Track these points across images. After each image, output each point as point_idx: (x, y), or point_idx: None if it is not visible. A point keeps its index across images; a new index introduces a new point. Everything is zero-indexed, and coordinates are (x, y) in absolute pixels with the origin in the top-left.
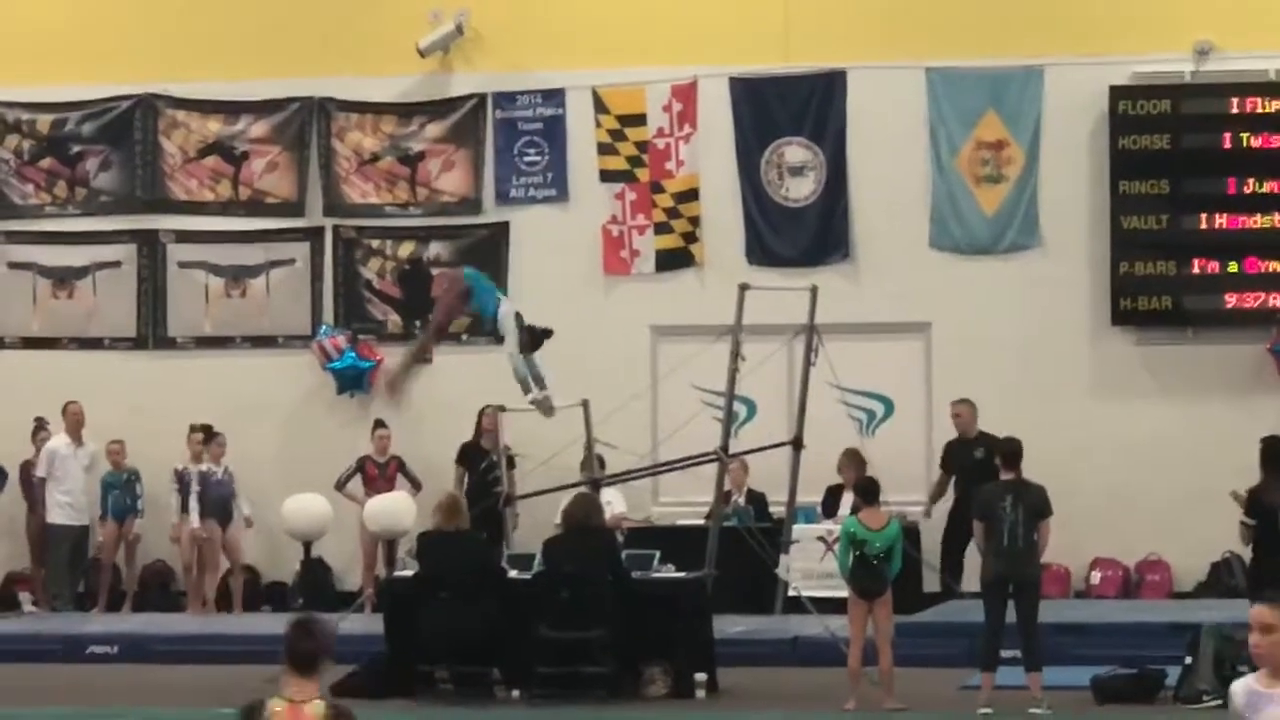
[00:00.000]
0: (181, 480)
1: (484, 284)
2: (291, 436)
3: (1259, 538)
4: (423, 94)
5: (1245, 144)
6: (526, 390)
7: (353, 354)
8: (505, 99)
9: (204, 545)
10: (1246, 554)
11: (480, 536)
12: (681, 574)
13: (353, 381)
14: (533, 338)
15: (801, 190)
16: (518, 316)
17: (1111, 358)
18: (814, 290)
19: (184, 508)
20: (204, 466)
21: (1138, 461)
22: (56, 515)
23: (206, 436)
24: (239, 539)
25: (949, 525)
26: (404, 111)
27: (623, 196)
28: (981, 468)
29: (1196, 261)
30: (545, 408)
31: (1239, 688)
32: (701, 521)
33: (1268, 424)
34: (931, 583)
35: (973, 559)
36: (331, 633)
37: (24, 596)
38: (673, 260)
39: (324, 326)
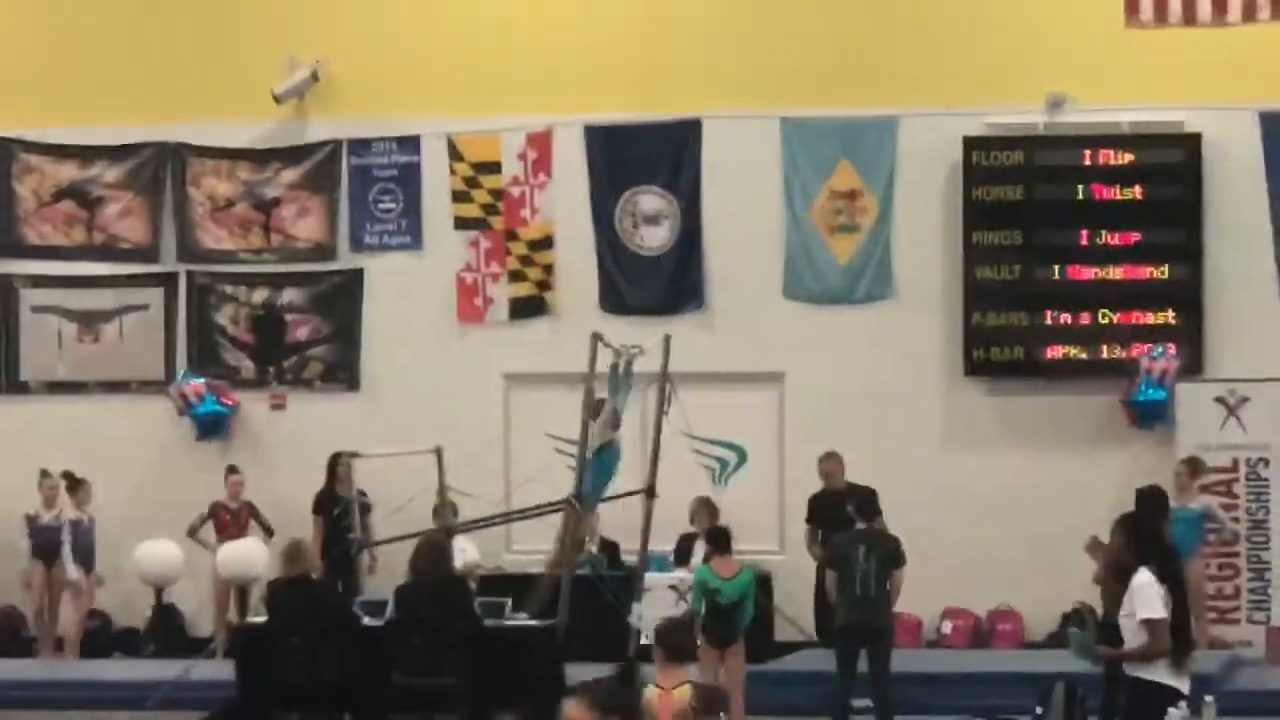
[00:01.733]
0: (33, 526)
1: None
2: (145, 482)
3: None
4: (278, 140)
5: (1098, 196)
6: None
7: (213, 399)
8: (360, 146)
9: (75, 592)
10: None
11: (329, 583)
12: (534, 622)
13: (212, 427)
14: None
15: (656, 239)
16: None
17: (964, 408)
18: (667, 339)
19: (35, 553)
20: (73, 515)
21: (990, 511)
22: None
23: (71, 483)
24: (92, 586)
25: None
26: (259, 158)
27: (477, 244)
28: (849, 523)
29: (1049, 312)
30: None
31: None
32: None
33: (1119, 475)
34: (784, 631)
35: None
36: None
37: None
38: (526, 308)
39: (183, 372)
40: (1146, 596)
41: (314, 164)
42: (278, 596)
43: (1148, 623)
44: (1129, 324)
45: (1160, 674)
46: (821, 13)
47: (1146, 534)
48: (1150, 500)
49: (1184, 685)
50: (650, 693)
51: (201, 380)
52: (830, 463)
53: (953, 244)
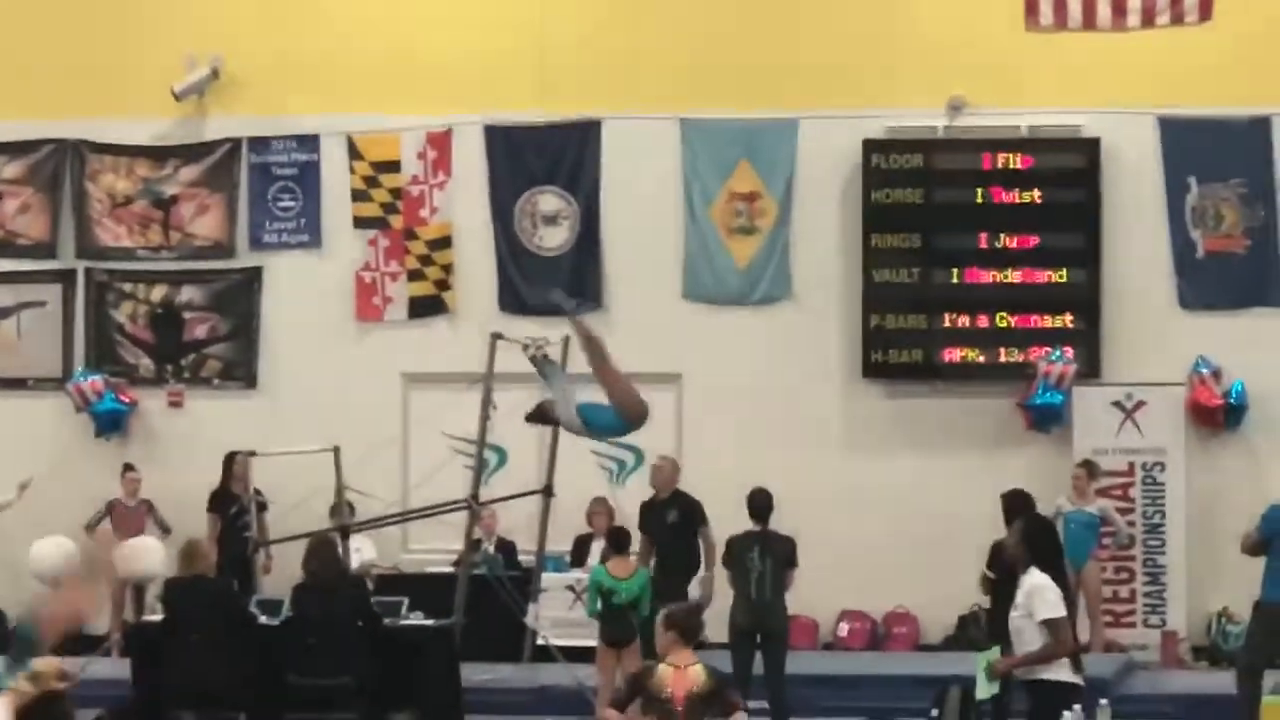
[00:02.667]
0: None
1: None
2: (40, 479)
3: (998, 591)
4: (177, 137)
5: (997, 199)
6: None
7: (111, 396)
8: (260, 144)
9: None
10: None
11: (225, 582)
12: (430, 621)
13: (111, 424)
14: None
15: (555, 239)
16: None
17: (862, 410)
18: (566, 340)
19: None
20: None
21: (887, 514)
22: None
23: None
24: None
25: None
26: (158, 155)
27: (376, 243)
28: (674, 531)
29: (947, 315)
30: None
31: None
32: (450, 569)
33: (1016, 477)
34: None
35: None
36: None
37: None
38: (425, 307)
39: (81, 369)
40: (1046, 597)
41: (213, 162)
42: (174, 595)
43: (1049, 623)
44: (1027, 327)
45: (1061, 673)
46: (722, 14)
47: (1041, 536)
48: (1022, 501)
49: (1080, 680)
50: (665, 669)
51: (99, 377)
52: (662, 463)
53: (852, 246)
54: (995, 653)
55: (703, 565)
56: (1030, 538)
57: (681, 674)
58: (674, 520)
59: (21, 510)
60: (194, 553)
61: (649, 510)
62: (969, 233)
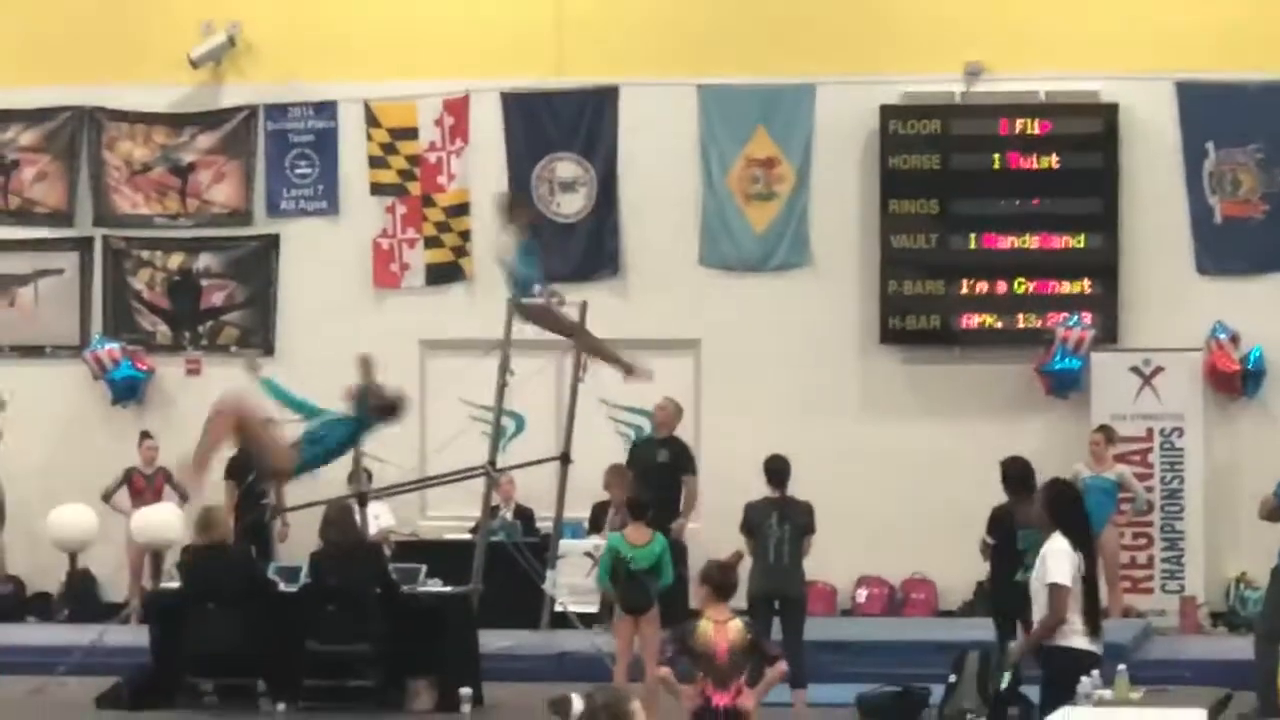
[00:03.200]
0: None
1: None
2: (59, 447)
3: (997, 556)
4: (194, 105)
5: (1014, 165)
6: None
7: (128, 364)
8: (277, 111)
9: None
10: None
11: (243, 550)
12: (448, 588)
13: (127, 391)
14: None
15: (572, 206)
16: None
17: (879, 376)
18: (584, 306)
19: None
20: None
21: (904, 480)
22: None
23: None
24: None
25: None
26: (175, 122)
27: (393, 210)
28: (660, 471)
29: (965, 281)
30: (558, 298)
31: None
32: (468, 536)
33: (1033, 443)
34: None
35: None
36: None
37: None
38: (443, 274)
39: (98, 337)
40: (1057, 562)
41: (230, 129)
42: (192, 563)
43: (1049, 588)
44: (1044, 293)
45: (1075, 640)
46: None
47: (1064, 500)
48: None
49: (1098, 648)
50: (705, 624)
51: (117, 345)
52: (665, 403)
53: (869, 212)
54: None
55: (681, 513)
56: (1052, 503)
57: (722, 628)
58: (663, 460)
59: (40, 479)
60: (211, 520)
61: (640, 446)
62: (987, 198)
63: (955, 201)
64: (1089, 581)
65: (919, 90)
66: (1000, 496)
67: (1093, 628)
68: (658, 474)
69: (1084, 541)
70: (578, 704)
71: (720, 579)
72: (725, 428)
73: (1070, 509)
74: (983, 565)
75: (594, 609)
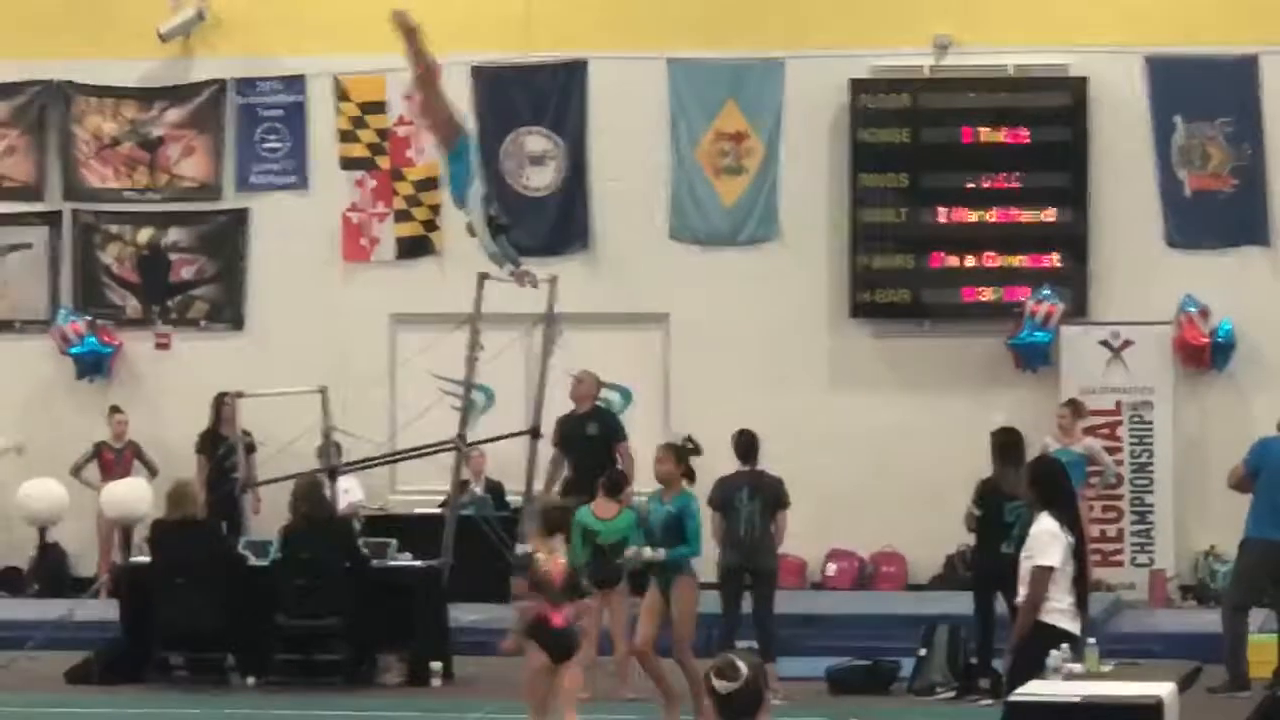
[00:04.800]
0: None
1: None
2: (29, 422)
3: (984, 528)
4: (164, 79)
5: (984, 139)
6: (501, 265)
7: (93, 339)
8: (246, 85)
9: None
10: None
11: (212, 524)
12: (418, 562)
13: (92, 367)
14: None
15: (541, 180)
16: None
17: (849, 350)
18: (553, 280)
19: None
20: None
21: (874, 454)
22: None
23: None
24: None
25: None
26: (144, 96)
27: (363, 184)
28: (591, 444)
29: (935, 255)
30: (530, 280)
31: None
32: (438, 510)
33: (1004, 417)
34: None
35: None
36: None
37: None
38: (412, 248)
39: (63, 311)
40: (1044, 543)
41: (199, 103)
42: (162, 538)
43: (1035, 569)
44: (1014, 267)
45: (1056, 618)
46: None
47: (1049, 477)
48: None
49: (1076, 628)
50: (542, 557)
51: (81, 319)
52: (583, 375)
53: (838, 186)
54: None
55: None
56: (1038, 481)
57: (556, 561)
58: (592, 433)
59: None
60: (183, 495)
61: (567, 424)
62: (956, 172)
63: (925, 175)
64: (1080, 561)
65: (888, 64)
66: (968, 469)
67: (1077, 609)
68: (589, 446)
69: (1074, 521)
70: (742, 667)
71: (550, 516)
72: (694, 402)
73: (1058, 487)
74: (956, 538)
75: None
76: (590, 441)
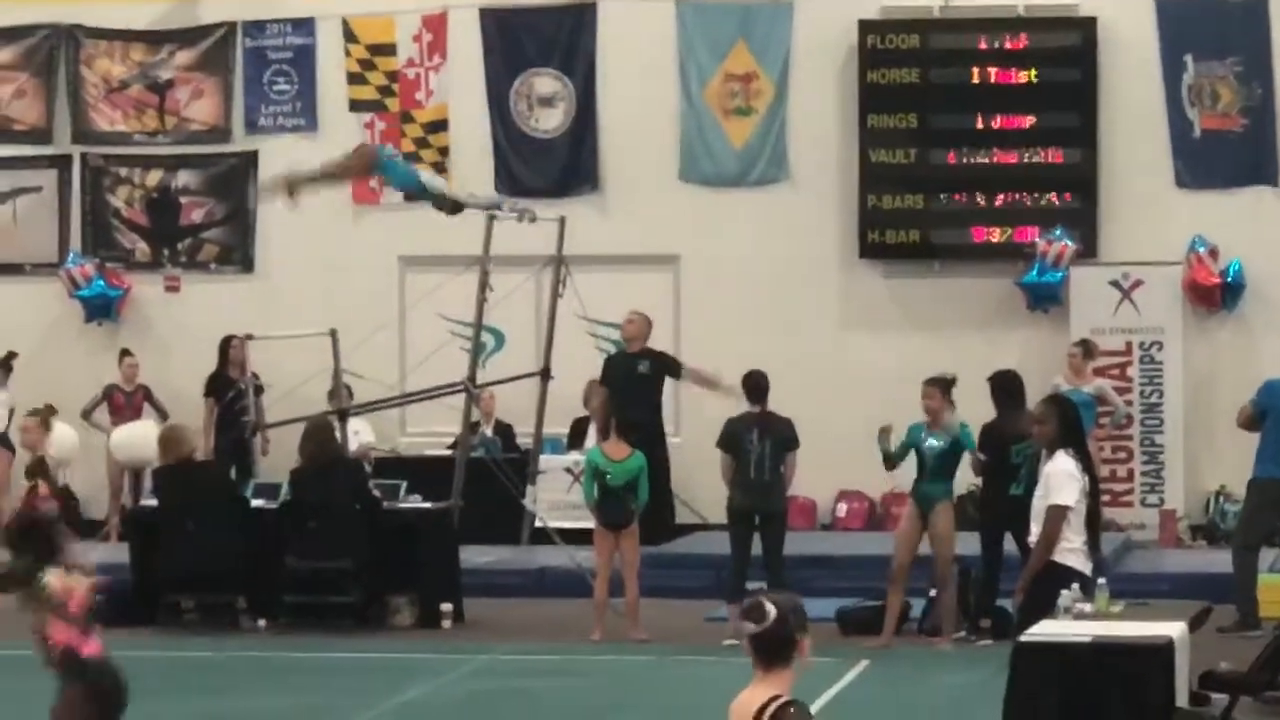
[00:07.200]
0: None
1: (400, 168)
2: (39, 365)
3: (991, 471)
4: (172, 21)
5: (993, 79)
6: (493, 212)
7: (101, 282)
8: (255, 28)
9: None
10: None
11: (218, 467)
12: (428, 504)
13: (101, 310)
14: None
15: (551, 121)
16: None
17: (859, 291)
18: (562, 221)
19: None
20: None
21: (885, 394)
22: None
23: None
24: None
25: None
26: (153, 39)
27: (372, 126)
28: (643, 383)
29: (944, 195)
30: (529, 216)
31: None
32: (448, 452)
33: (1014, 357)
34: (681, 514)
35: (720, 490)
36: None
37: None
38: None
39: (72, 254)
40: (1061, 482)
41: (208, 46)
42: (163, 483)
43: (1052, 508)
44: (1024, 207)
45: (1069, 558)
46: None
47: (1072, 420)
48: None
49: (1087, 568)
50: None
51: (90, 262)
52: (634, 316)
53: (848, 127)
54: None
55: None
56: (1063, 421)
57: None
58: (644, 371)
59: (21, 396)
60: (171, 439)
61: (616, 360)
62: (966, 113)
63: (934, 116)
64: (1094, 499)
65: (897, 4)
66: (982, 410)
67: (1090, 549)
68: (640, 384)
69: (1088, 461)
70: (770, 609)
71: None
72: (705, 343)
73: (1074, 427)
74: (963, 479)
75: (573, 524)
76: (641, 380)
